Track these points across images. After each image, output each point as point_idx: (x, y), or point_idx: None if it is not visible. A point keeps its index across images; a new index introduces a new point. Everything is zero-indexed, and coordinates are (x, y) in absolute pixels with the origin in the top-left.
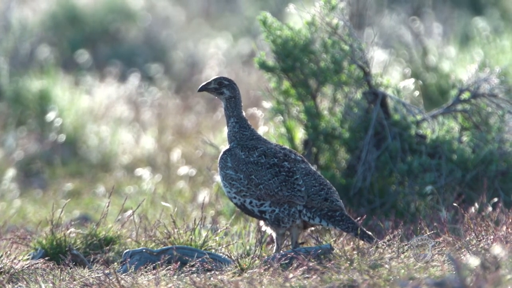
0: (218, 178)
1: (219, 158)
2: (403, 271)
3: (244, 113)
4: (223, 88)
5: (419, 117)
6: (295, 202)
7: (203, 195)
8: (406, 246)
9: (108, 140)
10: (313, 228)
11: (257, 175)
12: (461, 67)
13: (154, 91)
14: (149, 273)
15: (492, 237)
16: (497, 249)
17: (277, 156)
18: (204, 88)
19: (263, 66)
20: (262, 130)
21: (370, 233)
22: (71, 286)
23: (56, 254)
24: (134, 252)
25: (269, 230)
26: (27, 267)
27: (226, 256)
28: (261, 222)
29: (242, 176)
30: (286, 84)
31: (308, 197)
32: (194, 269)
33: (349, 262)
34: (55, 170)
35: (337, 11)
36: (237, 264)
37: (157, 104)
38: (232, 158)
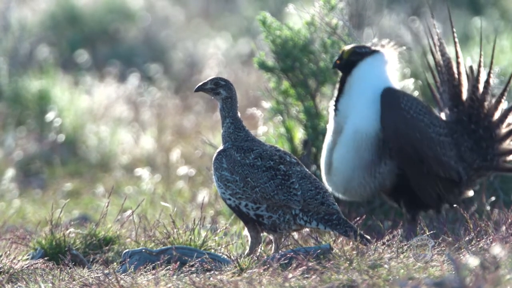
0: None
1: (213, 159)
2: (402, 271)
3: (239, 114)
4: (220, 89)
5: None
6: (291, 206)
7: (203, 195)
8: (406, 246)
9: (108, 140)
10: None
11: (253, 178)
12: None
13: (153, 91)
14: (148, 273)
15: (491, 237)
16: (497, 249)
17: (273, 158)
18: (200, 88)
19: (263, 66)
20: (261, 130)
21: (367, 236)
22: (71, 286)
23: (56, 254)
24: (134, 252)
25: (265, 234)
26: (27, 267)
27: (226, 256)
28: (245, 230)
29: (238, 178)
30: (285, 84)
31: (304, 201)
32: (193, 269)
33: (348, 262)
34: (55, 170)
35: (337, 11)
36: (237, 264)
37: (156, 104)
38: (228, 159)
